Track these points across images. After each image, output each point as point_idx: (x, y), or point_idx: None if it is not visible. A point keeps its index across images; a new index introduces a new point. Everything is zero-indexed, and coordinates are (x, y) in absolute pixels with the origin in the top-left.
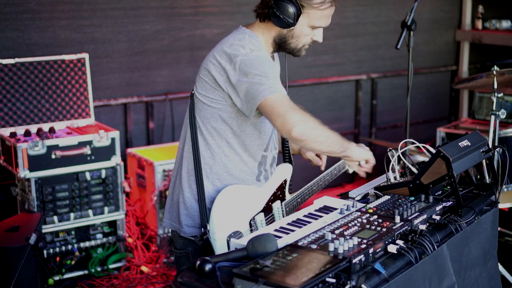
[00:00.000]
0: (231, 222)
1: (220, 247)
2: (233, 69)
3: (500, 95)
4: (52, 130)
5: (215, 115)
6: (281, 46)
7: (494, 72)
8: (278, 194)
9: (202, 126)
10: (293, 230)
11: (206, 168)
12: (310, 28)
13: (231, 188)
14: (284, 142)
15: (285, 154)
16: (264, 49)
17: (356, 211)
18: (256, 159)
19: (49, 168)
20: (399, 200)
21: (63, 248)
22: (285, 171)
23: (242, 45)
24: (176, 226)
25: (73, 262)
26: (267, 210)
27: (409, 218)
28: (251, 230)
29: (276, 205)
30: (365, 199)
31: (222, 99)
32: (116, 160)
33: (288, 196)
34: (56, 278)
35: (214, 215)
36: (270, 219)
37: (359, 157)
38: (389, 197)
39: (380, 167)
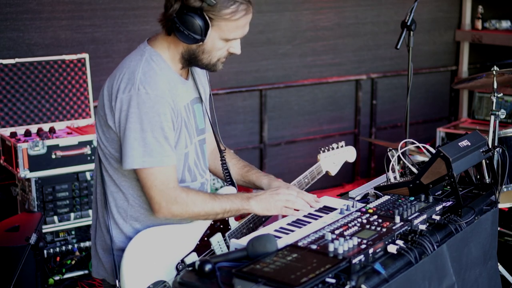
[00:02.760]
0: (149, 273)
1: None
2: (118, 112)
3: (500, 95)
4: (52, 130)
5: (114, 154)
6: (191, 62)
7: (494, 72)
8: (218, 226)
9: (107, 165)
10: (293, 230)
11: (121, 211)
12: (223, 41)
13: (147, 233)
14: (222, 164)
15: (226, 177)
16: (168, 70)
17: (356, 211)
18: None
19: (49, 168)
20: (399, 200)
21: (63, 248)
22: None
23: (133, 83)
24: (104, 274)
25: (73, 262)
26: (203, 247)
27: (409, 218)
28: None
29: (216, 239)
30: (365, 199)
31: (116, 138)
32: None
33: (234, 225)
34: (56, 278)
35: (125, 269)
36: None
37: (263, 210)
38: (389, 197)
39: (380, 167)
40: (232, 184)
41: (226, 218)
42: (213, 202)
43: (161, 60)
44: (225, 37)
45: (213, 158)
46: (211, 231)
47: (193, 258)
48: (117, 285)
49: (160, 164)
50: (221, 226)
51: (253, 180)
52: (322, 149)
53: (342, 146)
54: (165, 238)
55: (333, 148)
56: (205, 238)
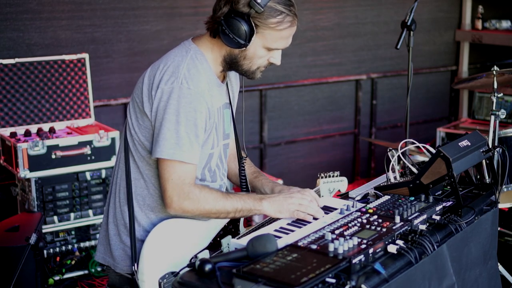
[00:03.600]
0: (166, 262)
1: None
2: (157, 102)
3: (500, 95)
4: (52, 130)
5: (144, 142)
6: (232, 66)
7: (494, 72)
8: (230, 228)
9: (134, 151)
10: (293, 230)
11: (138, 199)
12: (265, 50)
13: (168, 223)
14: (240, 170)
15: (242, 183)
16: (209, 70)
17: (356, 211)
18: None
19: (49, 168)
20: (399, 200)
21: (63, 248)
22: None
23: (176, 76)
24: (110, 261)
25: (73, 262)
26: (214, 246)
27: (409, 218)
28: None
29: (226, 241)
30: (365, 199)
31: (150, 126)
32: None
33: (242, 230)
34: (56, 278)
35: (145, 253)
36: None
37: (275, 212)
38: (389, 197)
39: (380, 167)
40: (247, 190)
41: (238, 223)
42: (225, 201)
43: (204, 60)
44: (268, 45)
45: (229, 163)
46: (224, 232)
47: (205, 255)
48: (135, 271)
49: (185, 159)
50: (233, 229)
51: (258, 186)
52: (321, 175)
53: (337, 176)
54: (184, 231)
55: (330, 176)
56: (218, 238)
